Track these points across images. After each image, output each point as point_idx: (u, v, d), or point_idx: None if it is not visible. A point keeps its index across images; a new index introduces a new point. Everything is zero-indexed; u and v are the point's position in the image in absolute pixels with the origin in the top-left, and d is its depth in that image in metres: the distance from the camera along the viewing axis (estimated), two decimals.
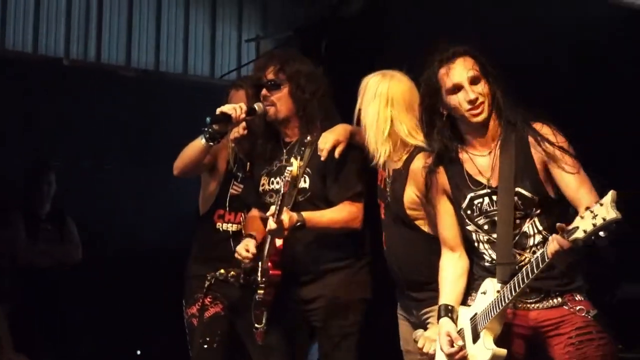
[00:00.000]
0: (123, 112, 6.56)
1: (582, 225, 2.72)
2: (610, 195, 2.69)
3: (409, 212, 3.56)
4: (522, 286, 2.95)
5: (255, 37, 7.22)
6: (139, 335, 6.52)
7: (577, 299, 3.11)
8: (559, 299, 3.11)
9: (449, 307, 3.25)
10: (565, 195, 3.07)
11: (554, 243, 2.81)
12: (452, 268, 3.32)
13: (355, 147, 3.81)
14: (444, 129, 3.25)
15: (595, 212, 2.69)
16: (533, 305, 3.13)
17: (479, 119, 3.17)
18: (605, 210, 2.67)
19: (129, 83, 6.79)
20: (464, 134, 3.25)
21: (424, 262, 3.54)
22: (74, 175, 6.31)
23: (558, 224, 2.81)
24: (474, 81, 3.17)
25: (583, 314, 3.08)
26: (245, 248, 3.86)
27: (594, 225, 2.69)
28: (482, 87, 3.17)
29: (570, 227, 2.76)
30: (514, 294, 2.98)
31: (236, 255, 3.90)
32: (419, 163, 3.46)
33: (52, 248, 5.96)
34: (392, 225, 3.66)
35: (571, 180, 3.05)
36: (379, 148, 3.56)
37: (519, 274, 2.97)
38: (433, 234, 3.50)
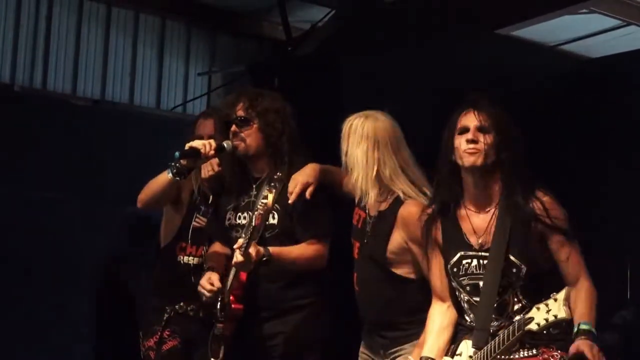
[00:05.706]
0: (70, 141, 6.47)
1: (537, 317, 2.91)
2: (564, 292, 2.89)
3: (389, 255, 3.54)
4: (490, 358, 3.02)
5: (207, 71, 7.20)
6: None
7: (551, 350, 3.11)
8: (534, 351, 3.11)
9: None
10: (556, 263, 3.13)
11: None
12: (439, 319, 3.33)
13: (325, 188, 3.84)
14: (449, 179, 3.25)
15: (549, 306, 2.89)
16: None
17: (472, 159, 3.16)
18: (558, 307, 2.86)
19: (78, 112, 6.70)
20: (466, 188, 3.24)
21: (397, 303, 3.56)
22: (16, 205, 6.16)
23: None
24: (481, 129, 3.18)
25: (557, 358, 3.10)
26: (209, 282, 3.81)
27: (546, 320, 2.89)
28: (489, 138, 3.17)
29: (527, 316, 2.93)
30: None
31: (199, 288, 3.84)
32: (412, 209, 3.45)
33: None
34: (365, 265, 3.64)
35: (563, 253, 3.11)
36: (369, 191, 3.54)
37: (490, 344, 3.04)
38: (415, 277, 3.53)
